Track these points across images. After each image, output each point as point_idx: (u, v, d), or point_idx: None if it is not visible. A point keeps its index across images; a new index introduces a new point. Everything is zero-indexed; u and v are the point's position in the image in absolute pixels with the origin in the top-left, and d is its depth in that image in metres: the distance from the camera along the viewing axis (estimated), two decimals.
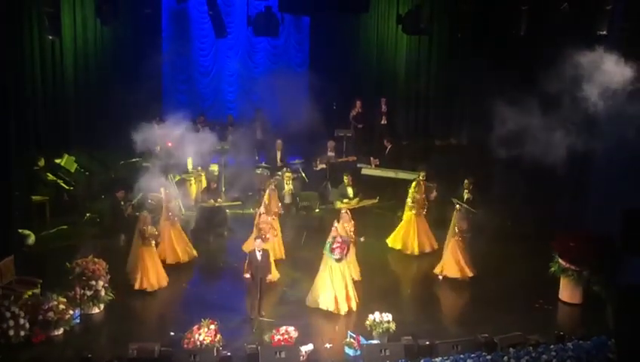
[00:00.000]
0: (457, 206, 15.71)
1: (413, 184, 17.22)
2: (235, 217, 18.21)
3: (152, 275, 14.52)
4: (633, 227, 13.34)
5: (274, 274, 14.67)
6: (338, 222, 14.41)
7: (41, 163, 18.06)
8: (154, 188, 17.01)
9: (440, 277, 15.45)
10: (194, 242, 16.41)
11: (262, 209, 15.66)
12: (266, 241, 14.54)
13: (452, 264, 15.40)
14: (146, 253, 14.58)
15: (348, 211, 15.12)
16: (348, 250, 14.09)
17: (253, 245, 13.86)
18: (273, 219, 15.77)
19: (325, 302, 13.84)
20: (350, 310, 13.89)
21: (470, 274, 15.40)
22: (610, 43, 14.97)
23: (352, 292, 14.02)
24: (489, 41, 20.12)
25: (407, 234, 17.04)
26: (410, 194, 17.11)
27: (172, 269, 15.65)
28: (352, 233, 14.60)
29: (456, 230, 15.36)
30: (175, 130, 17.53)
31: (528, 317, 13.74)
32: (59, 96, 19.76)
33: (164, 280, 14.80)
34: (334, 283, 13.85)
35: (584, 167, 15.70)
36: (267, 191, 16.30)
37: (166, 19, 23.36)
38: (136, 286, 14.39)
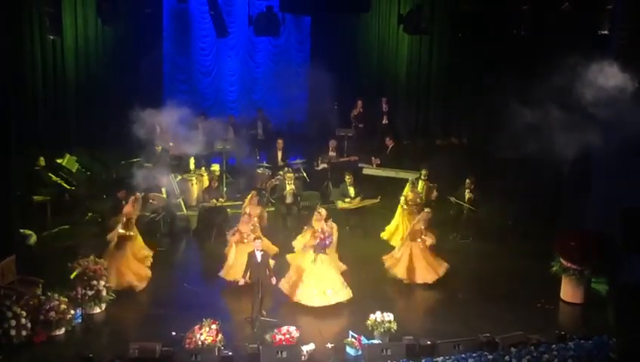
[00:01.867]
0: (428, 209, 15.76)
1: (408, 184, 17.28)
2: (236, 217, 18.18)
3: (129, 274, 14.54)
4: (633, 226, 13.40)
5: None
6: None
7: (42, 162, 18.07)
8: (155, 189, 17.11)
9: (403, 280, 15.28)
10: (195, 242, 16.42)
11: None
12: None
13: (415, 268, 15.23)
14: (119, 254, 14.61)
15: (320, 211, 15.13)
16: (326, 243, 14.22)
17: (252, 246, 13.81)
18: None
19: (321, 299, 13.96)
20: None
21: (436, 277, 15.25)
22: (610, 42, 14.98)
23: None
24: (490, 41, 20.13)
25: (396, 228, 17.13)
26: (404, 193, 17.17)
27: (173, 268, 15.72)
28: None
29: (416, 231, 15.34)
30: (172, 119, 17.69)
31: (530, 316, 13.73)
32: (60, 96, 19.79)
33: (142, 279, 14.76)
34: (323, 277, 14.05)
35: (585, 166, 15.69)
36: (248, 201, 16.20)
37: (167, 19, 23.37)
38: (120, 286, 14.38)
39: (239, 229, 15.00)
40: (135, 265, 14.78)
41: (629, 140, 13.56)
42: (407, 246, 15.28)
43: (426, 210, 15.73)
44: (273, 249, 15.43)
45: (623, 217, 13.92)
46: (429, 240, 15.17)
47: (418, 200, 17.24)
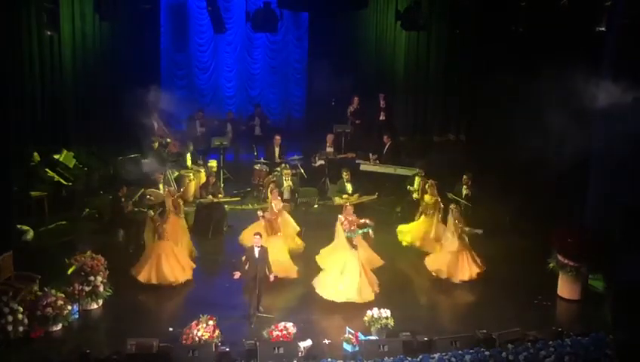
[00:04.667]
0: (453, 205, 15.71)
1: (426, 186, 17.05)
2: (233, 213, 18.21)
3: (167, 269, 14.53)
4: (632, 224, 13.42)
5: (291, 269, 14.98)
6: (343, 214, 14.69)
7: (36, 158, 18.05)
8: (152, 184, 17.12)
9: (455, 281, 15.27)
10: (193, 238, 16.43)
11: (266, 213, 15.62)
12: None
13: (463, 265, 15.23)
14: (162, 246, 14.67)
15: (351, 205, 15.17)
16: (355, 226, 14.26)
17: (251, 241, 13.81)
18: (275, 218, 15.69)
19: (348, 294, 13.89)
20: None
21: (480, 270, 15.32)
22: (608, 39, 14.97)
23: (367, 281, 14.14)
24: (488, 38, 20.13)
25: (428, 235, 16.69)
26: (423, 197, 17.01)
27: None
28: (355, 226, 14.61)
29: (459, 229, 15.29)
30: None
31: (527, 313, 13.75)
32: (57, 92, 19.72)
33: (188, 272, 14.88)
34: (353, 273, 13.97)
35: (583, 164, 15.69)
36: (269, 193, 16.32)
37: (165, 15, 23.34)
38: (143, 280, 14.43)
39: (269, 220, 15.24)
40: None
41: (628, 137, 13.57)
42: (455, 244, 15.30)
43: (452, 206, 15.70)
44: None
45: (623, 215, 13.96)
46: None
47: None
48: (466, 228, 15.25)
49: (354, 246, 14.15)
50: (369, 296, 13.89)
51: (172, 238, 15.07)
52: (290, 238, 16.05)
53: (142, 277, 14.42)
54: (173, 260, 14.68)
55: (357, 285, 13.83)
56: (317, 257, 15.29)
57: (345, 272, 13.98)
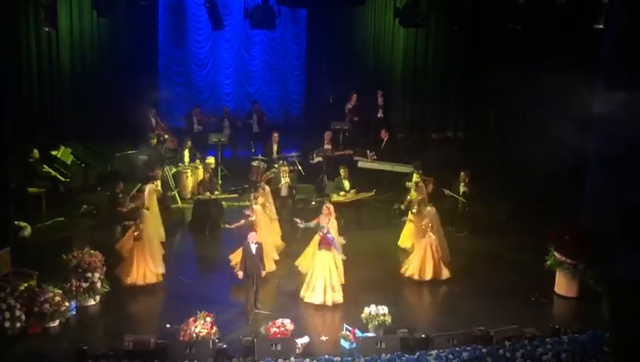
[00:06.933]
0: (431, 207, 15.70)
1: (412, 186, 17.02)
2: (231, 210, 18.18)
3: (141, 269, 14.47)
4: (631, 223, 13.45)
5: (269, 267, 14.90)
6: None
7: (36, 155, 18.03)
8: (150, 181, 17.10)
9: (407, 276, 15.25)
10: (190, 235, 16.47)
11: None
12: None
13: (423, 265, 15.14)
14: (139, 247, 14.56)
15: (328, 206, 15.13)
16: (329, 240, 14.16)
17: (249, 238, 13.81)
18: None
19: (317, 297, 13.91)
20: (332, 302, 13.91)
21: (446, 276, 15.25)
22: (607, 37, 14.98)
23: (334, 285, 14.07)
24: (486, 35, 20.14)
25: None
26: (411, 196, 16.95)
27: (167, 261, 15.69)
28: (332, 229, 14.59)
29: (427, 229, 15.23)
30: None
31: (524, 310, 13.76)
32: (55, 88, 19.75)
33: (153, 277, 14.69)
34: (322, 274, 13.94)
35: (581, 162, 15.70)
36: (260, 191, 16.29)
37: (162, 11, 23.27)
38: (129, 281, 14.37)
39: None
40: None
41: (626, 136, 13.57)
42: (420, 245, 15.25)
43: (429, 207, 15.68)
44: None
45: (620, 213, 13.98)
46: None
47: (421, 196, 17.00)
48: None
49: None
50: (336, 298, 13.91)
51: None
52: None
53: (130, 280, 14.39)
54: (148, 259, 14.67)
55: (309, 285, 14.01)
56: None
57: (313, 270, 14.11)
